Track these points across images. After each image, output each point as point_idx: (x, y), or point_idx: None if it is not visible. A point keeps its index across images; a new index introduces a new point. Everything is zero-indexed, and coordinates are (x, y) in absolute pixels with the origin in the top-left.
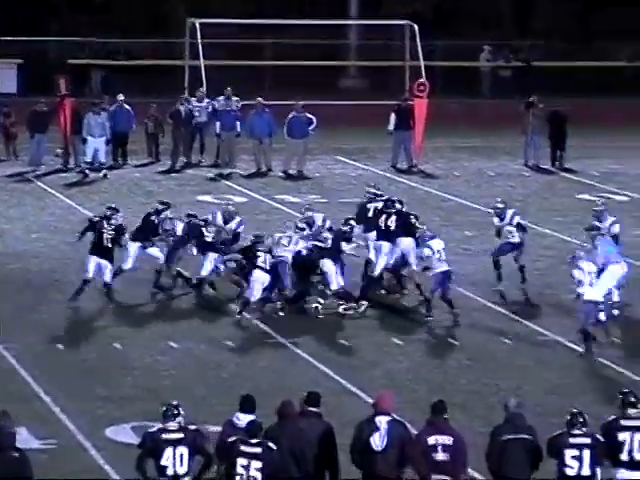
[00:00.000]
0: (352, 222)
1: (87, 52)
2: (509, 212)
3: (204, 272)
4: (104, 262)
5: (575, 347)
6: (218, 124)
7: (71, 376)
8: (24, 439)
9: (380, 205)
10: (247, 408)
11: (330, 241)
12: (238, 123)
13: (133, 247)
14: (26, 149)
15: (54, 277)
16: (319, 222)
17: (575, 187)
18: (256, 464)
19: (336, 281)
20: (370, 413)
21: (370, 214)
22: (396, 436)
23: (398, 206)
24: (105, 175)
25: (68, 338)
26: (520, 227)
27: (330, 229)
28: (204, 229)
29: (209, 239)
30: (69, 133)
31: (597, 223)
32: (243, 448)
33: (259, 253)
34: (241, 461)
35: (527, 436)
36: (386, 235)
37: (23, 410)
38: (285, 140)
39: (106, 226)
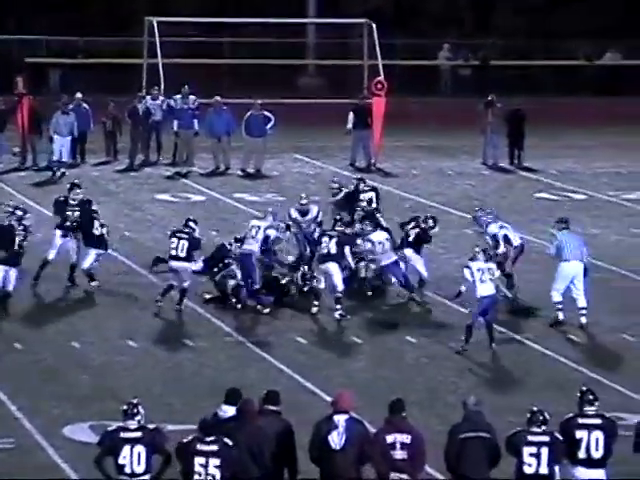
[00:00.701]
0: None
1: (46, 50)
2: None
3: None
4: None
5: (534, 345)
6: (176, 122)
7: (29, 375)
8: None
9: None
10: (232, 400)
11: (334, 246)
12: (196, 121)
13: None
14: None
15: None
16: (314, 213)
17: (534, 186)
18: (214, 461)
19: (341, 284)
20: (329, 412)
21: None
22: (355, 434)
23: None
24: (63, 173)
25: (25, 337)
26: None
27: (320, 224)
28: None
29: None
30: (27, 132)
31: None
32: (200, 447)
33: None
34: (199, 460)
35: (486, 434)
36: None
37: None
38: (243, 139)
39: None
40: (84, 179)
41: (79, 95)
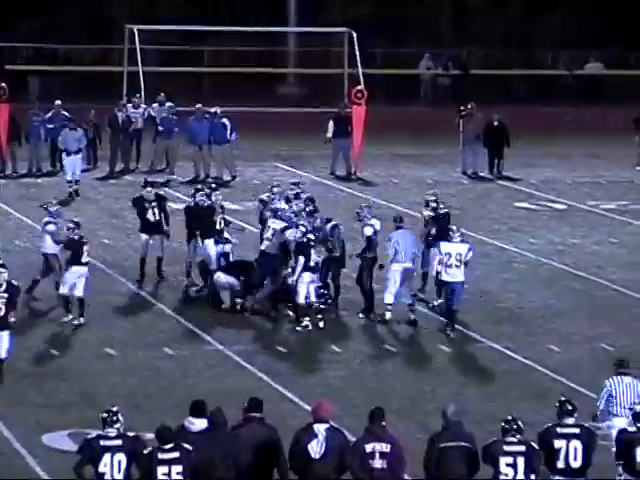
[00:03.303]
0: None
1: (25, 57)
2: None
3: None
4: None
5: (514, 354)
6: (161, 129)
7: (7, 383)
8: None
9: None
10: (198, 413)
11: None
12: (176, 129)
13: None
14: None
15: None
16: (301, 203)
17: (513, 195)
18: (177, 468)
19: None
20: (309, 420)
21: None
22: (334, 443)
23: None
24: (77, 191)
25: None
26: None
27: (312, 212)
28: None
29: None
30: (6, 140)
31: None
32: (161, 456)
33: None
34: (162, 469)
35: (465, 444)
36: None
37: None
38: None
39: None
40: (64, 187)
41: (58, 102)
